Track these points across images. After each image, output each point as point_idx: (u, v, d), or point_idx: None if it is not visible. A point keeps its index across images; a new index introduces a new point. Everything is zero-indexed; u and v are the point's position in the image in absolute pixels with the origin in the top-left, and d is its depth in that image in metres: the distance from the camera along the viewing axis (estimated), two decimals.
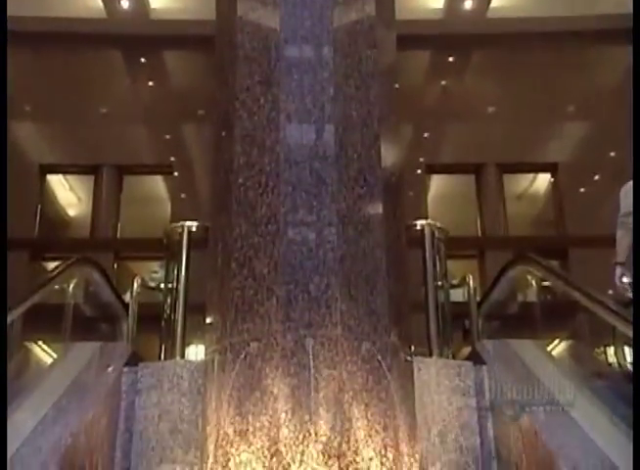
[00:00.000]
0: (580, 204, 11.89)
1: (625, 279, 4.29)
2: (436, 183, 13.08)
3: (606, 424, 2.58)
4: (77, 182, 13.21)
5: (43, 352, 5.46)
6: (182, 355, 4.24)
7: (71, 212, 13.42)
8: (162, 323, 4.43)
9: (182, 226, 4.53)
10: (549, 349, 3.81)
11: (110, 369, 3.45)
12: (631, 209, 4.32)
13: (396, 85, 4.11)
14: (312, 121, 3.56)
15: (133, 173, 12.95)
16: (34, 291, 3.39)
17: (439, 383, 3.52)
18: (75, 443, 2.80)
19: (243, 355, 3.22)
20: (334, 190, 3.43)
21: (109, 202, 12.68)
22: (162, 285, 4.54)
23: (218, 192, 3.74)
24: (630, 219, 4.31)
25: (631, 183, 4.45)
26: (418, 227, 4.49)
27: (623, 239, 4.37)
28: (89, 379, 3.28)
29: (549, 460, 2.65)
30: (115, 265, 11.83)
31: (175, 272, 4.48)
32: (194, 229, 4.50)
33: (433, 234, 4.47)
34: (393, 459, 3.05)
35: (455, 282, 4.70)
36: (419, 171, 12.40)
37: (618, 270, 4.37)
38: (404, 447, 3.14)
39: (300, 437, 3.02)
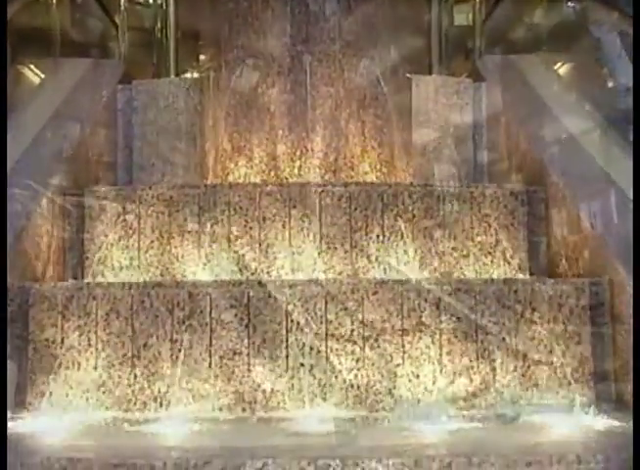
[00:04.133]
0: None
1: None
2: None
3: (600, 136, 2.60)
4: None
5: (35, 76, 5.34)
6: (176, 76, 4.16)
7: None
8: (154, 47, 4.27)
9: None
10: (555, 67, 3.67)
11: (103, 86, 3.39)
12: None
13: None
14: None
15: None
16: None
17: (437, 100, 3.48)
18: (76, 154, 2.85)
19: (238, 72, 3.16)
20: None
21: None
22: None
23: None
24: None
25: None
26: None
27: None
28: (84, 94, 3.23)
29: (538, 168, 2.72)
30: None
31: None
32: None
33: None
34: (388, 173, 3.14)
35: None
36: None
37: None
38: (398, 163, 3.21)
39: (298, 153, 3.08)
